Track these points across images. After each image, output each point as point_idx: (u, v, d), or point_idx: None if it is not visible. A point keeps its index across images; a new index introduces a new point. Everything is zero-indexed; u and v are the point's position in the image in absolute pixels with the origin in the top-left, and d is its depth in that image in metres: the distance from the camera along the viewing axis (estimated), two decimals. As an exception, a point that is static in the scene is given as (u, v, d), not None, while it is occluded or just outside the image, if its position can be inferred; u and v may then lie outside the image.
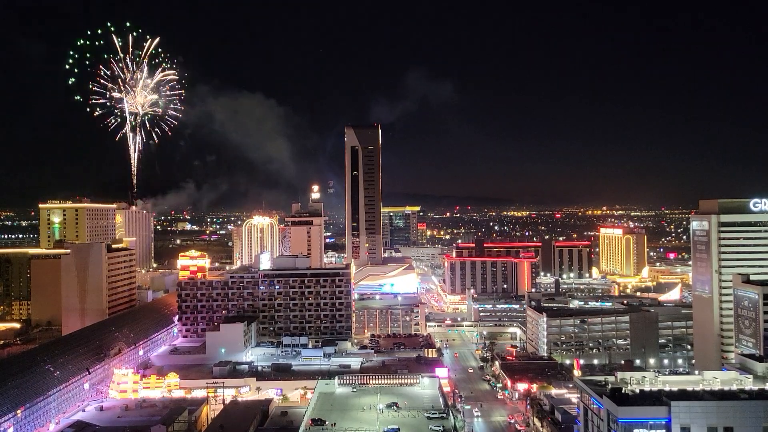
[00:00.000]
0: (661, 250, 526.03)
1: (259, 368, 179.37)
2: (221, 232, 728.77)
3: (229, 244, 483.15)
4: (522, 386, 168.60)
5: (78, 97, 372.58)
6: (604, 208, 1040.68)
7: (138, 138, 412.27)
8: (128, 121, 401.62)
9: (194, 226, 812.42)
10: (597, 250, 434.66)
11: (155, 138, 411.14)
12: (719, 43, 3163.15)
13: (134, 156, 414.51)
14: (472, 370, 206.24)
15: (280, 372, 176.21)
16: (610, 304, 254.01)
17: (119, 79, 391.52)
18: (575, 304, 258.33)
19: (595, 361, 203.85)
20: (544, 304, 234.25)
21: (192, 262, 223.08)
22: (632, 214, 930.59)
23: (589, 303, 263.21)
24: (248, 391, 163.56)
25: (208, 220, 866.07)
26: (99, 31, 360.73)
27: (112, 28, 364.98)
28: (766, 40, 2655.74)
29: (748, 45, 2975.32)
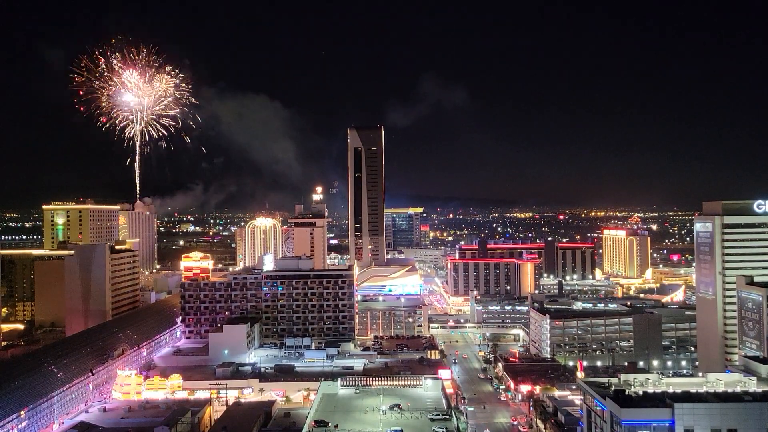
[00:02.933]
0: (665, 251, 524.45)
1: (262, 369, 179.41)
2: (224, 234, 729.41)
3: (233, 245, 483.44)
4: (525, 388, 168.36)
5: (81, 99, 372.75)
6: (609, 209, 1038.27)
7: (143, 139, 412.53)
8: (134, 123, 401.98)
9: (197, 228, 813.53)
10: (600, 251, 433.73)
11: (161, 140, 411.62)
12: (722, 44, 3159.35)
13: (138, 158, 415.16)
14: (475, 372, 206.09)
15: (283, 373, 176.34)
16: (614, 305, 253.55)
17: (124, 81, 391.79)
18: (578, 305, 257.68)
19: (599, 363, 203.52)
20: (547, 306, 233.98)
21: (195, 264, 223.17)
22: (635, 215, 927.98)
23: (593, 304, 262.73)
24: (251, 393, 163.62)
25: (212, 221, 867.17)
26: (104, 32, 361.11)
27: (119, 31, 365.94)
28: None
29: (750, 46, 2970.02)
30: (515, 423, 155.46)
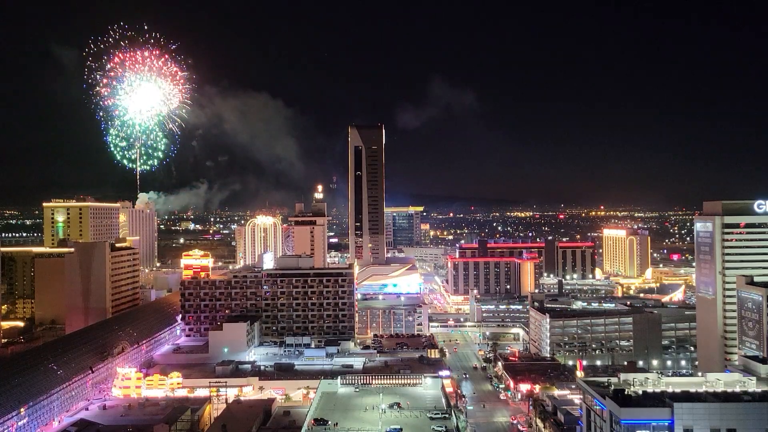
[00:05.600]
0: (665, 251, 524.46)
1: (262, 368, 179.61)
2: (225, 232, 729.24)
3: (233, 243, 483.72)
4: (525, 387, 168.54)
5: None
6: (609, 209, 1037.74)
7: (147, 138, 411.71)
8: (136, 121, 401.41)
9: (198, 226, 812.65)
10: (600, 251, 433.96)
11: (166, 138, 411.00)
12: (722, 43, 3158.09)
13: (138, 155, 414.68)
14: (474, 371, 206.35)
15: (283, 372, 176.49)
16: (614, 305, 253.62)
17: (127, 79, 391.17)
18: (578, 305, 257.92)
19: (598, 362, 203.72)
20: (547, 305, 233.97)
21: (195, 262, 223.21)
22: (636, 215, 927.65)
23: (593, 304, 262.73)
24: (251, 391, 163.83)
25: (212, 219, 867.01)
26: (106, 30, 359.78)
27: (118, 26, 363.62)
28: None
29: (751, 45, 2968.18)
30: (515, 422, 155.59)
